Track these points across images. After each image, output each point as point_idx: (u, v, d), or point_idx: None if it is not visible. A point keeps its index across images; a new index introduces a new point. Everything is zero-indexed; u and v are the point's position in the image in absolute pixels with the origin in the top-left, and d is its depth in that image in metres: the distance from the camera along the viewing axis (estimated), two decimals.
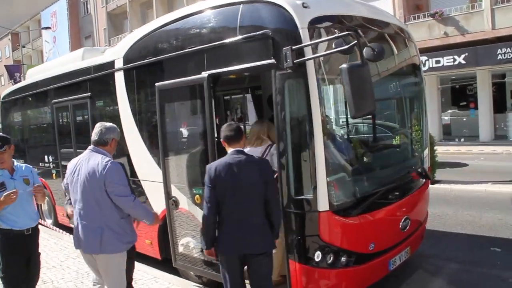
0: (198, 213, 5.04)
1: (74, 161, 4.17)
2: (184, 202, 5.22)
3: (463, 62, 17.91)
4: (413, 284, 5.36)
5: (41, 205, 9.70)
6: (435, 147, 11.54)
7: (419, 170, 5.46)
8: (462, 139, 19.75)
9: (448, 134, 20.44)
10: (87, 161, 3.98)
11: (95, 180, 3.85)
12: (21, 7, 51.22)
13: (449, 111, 21.02)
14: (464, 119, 20.53)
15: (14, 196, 4.05)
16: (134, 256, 5.05)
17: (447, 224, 7.72)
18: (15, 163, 4.47)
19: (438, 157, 11.84)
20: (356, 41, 3.33)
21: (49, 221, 9.48)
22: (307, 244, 4.16)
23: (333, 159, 4.20)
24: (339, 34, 3.53)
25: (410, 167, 5.49)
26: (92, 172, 3.88)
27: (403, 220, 4.77)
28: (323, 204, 4.02)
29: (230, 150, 3.92)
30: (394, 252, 4.75)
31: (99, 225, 3.90)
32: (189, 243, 5.31)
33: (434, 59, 18.58)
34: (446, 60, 18.31)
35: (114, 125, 4.26)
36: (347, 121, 5.50)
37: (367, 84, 3.38)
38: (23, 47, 45.32)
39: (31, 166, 4.68)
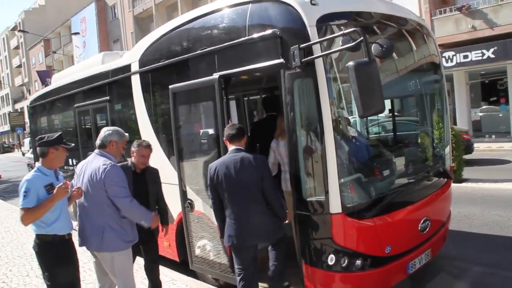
0: (212, 215, 5.01)
1: (81, 164, 4.34)
2: (200, 204, 5.21)
3: (492, 56, 17.36)
4: (435, 287, 5.18)
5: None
6: (476, 145, 11.10)
7: (440, 169, 5.28)
8: (493, 136, 19.16)
9: (479, 130, 19.85)
10: (91, 164, 4.16)
11: (96, 182, 4.02)
12: (52, 15, 52.65)
13: (479, 107, 20.43)
14: (495, 115, 19.91)
15: (66, 188, 3.91)
16: (157, 259, 5.08)
17: (473, 224, 7.47)
18: None
19: (472, 155, 11.44)
20: (362, 38, 3.23)
21: (74, 223, 9.63)
22: (320, 247, 4.09)
23: (345, 159, 4.08)
24: (345, 31, 3.43)
25: (429, 166, 5.31)
26: (93, 174, 4.05)
27: (422, 221, 4.61)
28: (335, 206, 3.93)
29: (231, 148, 4.20)
30: (413, 255, 4.58)
31: (101, 224, 4.06)
32: (205, 246, 5.29)
33: (462, 54, 18.07)
34: (474, 55, 17.79)
35: (119, 129, 4.39)
36: (366, 121, 5.39)
37: (375, 82, 3.26)
38: (54, 52, 46.54)
39: None
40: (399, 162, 5.02)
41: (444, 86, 5.65)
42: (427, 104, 5.57)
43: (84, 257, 7.17)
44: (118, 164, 4.31)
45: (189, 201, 5.27)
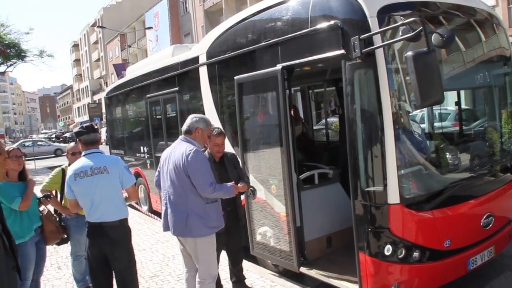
0: (274, 203, 5.17)
1: (167, 150, 4.37)
2: (262, 192, 5.36)
3: None
4: (498, 286, 5.02)
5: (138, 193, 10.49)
6: None
7: (507, 164, 5.09)
8: None
9: None
10: (176, 150, 4.19)
11: (180, 168, 4.05)
12: (128, 11, 54.96)
13: None
14: None
15: None
16: (240, 251, 5.25)
17: None
18: None
19: None
20: (422, 28, 3.22)
21: (144, 208, 10.17)
22: (376, 237, 4.10)
23: (404, 151, 4.08)
24: (405, 21, 3.43)
25: (495, 161, 5.14)
26: (178, 160, 4.07)
27: (485, 216, 4.49)
28: (393, 197, 3.94)
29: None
30: (475, 251, 4.48)
31: (185, 210, 4.07)
32: (266, 232, 5.44)
33: None
34: None
35: (206, 117, 4.41)
36: (430, 113, 5.30)
37: (434, 72, 3.25)
38: (129, 46, 48.68)
39: None
40: (462, 156, 4.91)
41: None
42: (495, 97, 5.37)
43: (153, 240, 7.64)
44: None
45: (251, 188, 5.42)
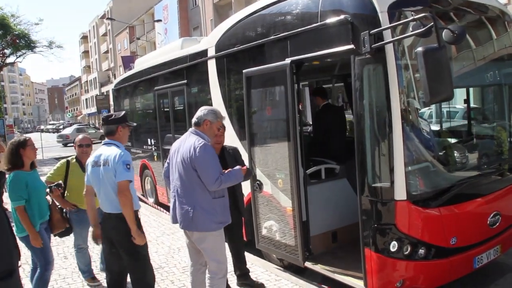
0: (281, 197, 5.17)
1: (176, 142, 4.32)
2: (268, 186, 5.36)
3: None
4: (503, 285, 5.00)
5: (144, 184, 10.54)
6: None
7: None
8: None
9: None
10: (185, 143, 4.13)
11: (188, 161, 3.99)
12: (137, 3, 54.97)
13: None
14: None
15: None
16: (242, 245, 5.24)
17: None
18: None
19: None
20: (433, 23, 3.19)
21: (151, 200, 10.22)
22: (382, 233, 4.10)
23: (412, 148, 4.06)
24: (416, 17, 3.41)
25: (503, 160, 5.10)
26: (185, 153, 4.02)
27: (491, 215, 4.47)
28: (400, 193, 3.93)
29: None
30: (481, 249, 4.47)
31: (191, 204, 4.02)
32: (272, 226, 5.45)
33: None
34: None
35: (216, 109, 4.31)
36: (439, 110, 5.27)
37: (444, 68, 3.23)
38: (138, 39, 48.73)
39: None
40: (470, 154, 4.88)
41: None
42: (505, 96, 5.32)
43: (158, 231, 7.67)
44: None
45: (258, 182, 5.43)
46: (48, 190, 4.89)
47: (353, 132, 4.22)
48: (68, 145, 33.31)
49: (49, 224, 4.81)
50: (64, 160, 5.42)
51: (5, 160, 4.51)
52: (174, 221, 4.26)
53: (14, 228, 4.49)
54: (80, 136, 5.43)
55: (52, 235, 5.00)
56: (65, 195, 5.25)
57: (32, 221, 4.48)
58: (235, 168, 4.22)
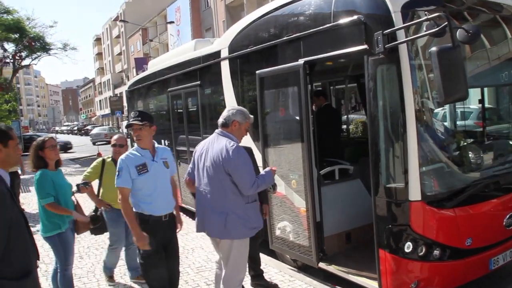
0: (294, 198, 5.18)
1: (201, 144, 4.16)
2: (281, 187, 5.36)
3: None
4: None
5: None
6: None
7: None
8: None
9: None
10: (213, 145, 3.94)
11: (219, 165, 3.80)
12: (150, 5, 55.27)
13: None
14: None
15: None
16: (258, 245, 5.18)
17: None
18: (156, 145, 4.29)
19: None
20: (447, 23, 3.18)
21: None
22: (397, 234, 4.08)
23: (427, 148, 4.05)
24: (429, 16, 3.39)
25: None
26: (216, 157, 3.82)
27: (508, 216, 4.43)
28: (415, 194, 3.92)
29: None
30: (497, 251, 4.43)
31: (224, 210, 3.84)
32: (285, 227, 5.46)
33: None
34: None
35: (244, 110, 4.15)
36: (453, 111, 5.23)
37: (459, 68, 3.21)
38: (151, 41, 49.03)
39: (169, 149, 4.56)
40: (485, 154, 4.83)
41: None
42: None
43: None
44: None
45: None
46: (75, 189, 4.91)
47: (367, 132, 4.22)
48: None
49: (74, 225, 4.80)
50: (100, 159, 5.45)
51: (30, 162, 4.57)
52: (200, 229, 4.08)
53: (40, 228, 4.59)
54: (116, 136, 5.43)
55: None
56: (100, 194, 5.28)
57: (60, 220, 4.50)
58: (266, 170, 4.13)
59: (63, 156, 24.69)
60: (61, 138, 36.02)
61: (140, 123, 4.06)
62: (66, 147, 29.93)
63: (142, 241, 3.96)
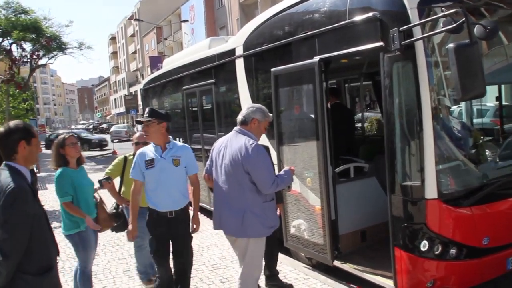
0: (309, 196, 5.17)
1: (219, 141, 4.14)
2: (296, 184, 5.34)
3: None
4: None
5: None
6: None
7: None
8: None
9: None
10: (232, 143, 3.91)
11: (239, 163, 3.78)
12: (164, 4, 55.54)
13: None
14: None
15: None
16: (277, 246, 5.17)
17: None
18: (171, 142, 4.30)
19: None
20: (464, 19, 3.14)
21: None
22: (413, 232, 4.05)
23: (443, 146, 4.01)
24: (446, 13, 3.36)
25: None
26: (235, 155, 3.80)
27: None
28: (431, 192, 3.89)
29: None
30: None
31: (242, 208, 3.83)
32: (300, 225, 5.45)
33: None
34: None
35: (263, 107, 4.10)
36: (469, 106, 5.16)
37: (476, 64, 3.18)
38: (165, 39, 49.27)
39: (189, 148, 4.49)
40: (502, 152, 4.77)
41: None
42: None
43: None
44: None
45: None
46: (97, 185, 4.92)
47: (382, 130, 4.19)
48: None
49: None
50: (122, 156, 5.46)
51: (51, 160, 4.61)
52: (218, 227, 4.09)
53: (61, 226, 4.63)
54: (137, 134, 5.41)
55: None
56: (121, 191, 5.29)
57: (80, 219, 4.49)
58: (285, 169, 4.12)
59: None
60: (96, 136, 37.47)
61: (147, 119, 4.16)
62: (101, 144, 32.58)
63: (130, 234, 4.28)
